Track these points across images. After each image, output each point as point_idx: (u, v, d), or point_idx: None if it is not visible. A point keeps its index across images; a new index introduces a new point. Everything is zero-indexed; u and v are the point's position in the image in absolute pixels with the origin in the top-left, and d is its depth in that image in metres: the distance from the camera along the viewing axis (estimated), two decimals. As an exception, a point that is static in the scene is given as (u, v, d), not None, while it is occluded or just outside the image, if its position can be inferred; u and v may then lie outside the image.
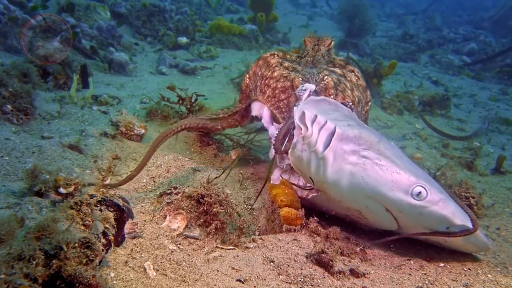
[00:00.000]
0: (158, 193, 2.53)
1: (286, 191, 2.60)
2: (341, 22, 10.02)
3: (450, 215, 2.25)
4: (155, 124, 3.62)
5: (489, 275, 2.36)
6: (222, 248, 2.24)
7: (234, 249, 2.25)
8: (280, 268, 2.12)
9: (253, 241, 2.34)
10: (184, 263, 2.05)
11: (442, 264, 2.43)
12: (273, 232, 2.50)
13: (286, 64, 3.02)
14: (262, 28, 8.34)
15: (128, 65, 5.12)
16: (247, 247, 2.29)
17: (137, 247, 2.07)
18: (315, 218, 2.54)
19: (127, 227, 2.17)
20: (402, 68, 9.00)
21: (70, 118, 3.34)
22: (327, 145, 2.36)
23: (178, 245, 2.19)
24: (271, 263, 2.16)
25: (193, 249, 2.21)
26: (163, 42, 6.43)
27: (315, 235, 2.40)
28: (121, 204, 2.21)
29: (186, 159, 3.11)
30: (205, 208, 2.35)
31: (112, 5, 6.85)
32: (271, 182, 2.75)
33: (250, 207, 2.73)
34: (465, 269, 2.40)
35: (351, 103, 2.74)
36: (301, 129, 2.49)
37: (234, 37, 7.51)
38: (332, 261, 2.19)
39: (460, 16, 23.23)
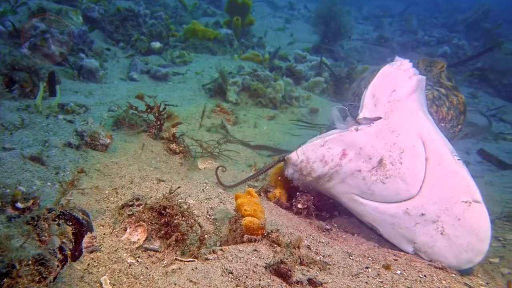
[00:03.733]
0: (120, 204, 2.53)
1: (251, 201, 2.64)
2: (317, 26, 10.11)
3: None
4: (122, 133, 3.61)
5: (444, 282, 2.43)
6: (181, 261, 2.26)
7: (194, 261, 2.27)
8: (239, 279, 2.15)
9: (213, 253, 2.36)
10: (141, 277, 2.07)
11: (399, 272, 2.49)
12: (234, 242, 2.52)
13: None
14: (237, 32, 8.37)
15: (98, 72, 5.09)
16: (207, 259, 2.31)
17: (95, 261, 2.08)
18: (278, 228, 2.59)
19: (85, 241, 2.17)
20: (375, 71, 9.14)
21: (34, 128, 3.31)
22: None
23: (137, 258, 2.20)
24: (230, 274, 2.18)
25: (152, 261, 2.23)
26: (136, 48, 6.41)
27: (275, 245, 2.44)
28: (80, 218, 2.20)
29: (151, 169, 3.11)
30: (166, 219, 2.37)
31: (85, 10, 6.79)
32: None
33: (213, 217, 2.76)
34: (421, 276, 2.47)
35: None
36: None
37: (209, 42, 7.53)
38: (290, 271, 2.22)
39: (436, 19, 23.56)
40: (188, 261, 2.26)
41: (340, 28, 9.70)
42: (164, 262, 2.24)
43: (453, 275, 2.53)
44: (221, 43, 7.63)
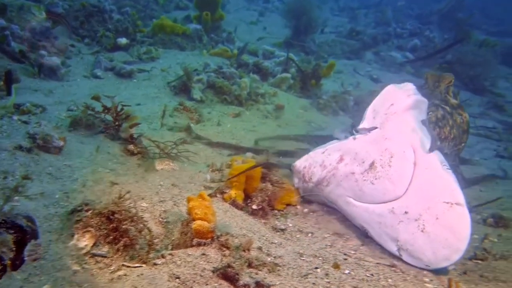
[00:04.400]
0: (69, 209, 2.51)
1: (203, 204, 2.65)
2: (289, 20, 10.10)
3: None
4: (79, 134, 3.57)
5: (390, 280, 2.49)
6: (128, 266, 2.26)
7: (141, 266, 2.28)
8: (185, 284, 2.16)
9: (162, 257, 2.37)
10: (85, 285, 2.06)
11: (347, 271, 2.54)
12: (185, 246, 2.53)
13: None
14: (207, 27, 8.31)
15: (59, 69, 5.00)
16: (155, 264, 2.31)
17: (37, 270, 2.06)
18: (229, 231, 2.62)
19: (28, 249, 2.15)
20: (346, 66, 9.22)
21: (-14, 130, 3.25)
22: None
23: (83, 265, 2.19)
24: (177, 279, 2.19)
25: (99, 267, 2.22)
26: (102, 44, 6.31)
27: (224, 249, 2.45)
28: (24, 225, 2.18)
29: (106, 171, 3.09)
30: (115, 225, 2.37)
31: (48, 5, 6.64)
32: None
33: (165, 220, 2.76)
34: (368, 274, 2.52)
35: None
36: None
37: (177, 37, 7.46)
38: (238, 274, 2.25)
39: (412, 10, 23.67)
40: (135, 267, 2.26)
41: (311, 22, 9.71)
42: (112, 268, 2.24)
43: (400, 273, 2.59)
44: (190, 38, 7.57)
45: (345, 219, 3.17)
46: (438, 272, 2.64)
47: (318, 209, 3.31)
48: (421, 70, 9.67)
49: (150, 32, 7.44)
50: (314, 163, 3.16)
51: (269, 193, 3.13)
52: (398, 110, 2.89)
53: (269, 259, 2.56)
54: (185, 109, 4.63)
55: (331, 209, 3.33)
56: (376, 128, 2.95)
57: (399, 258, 2.76)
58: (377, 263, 2.68)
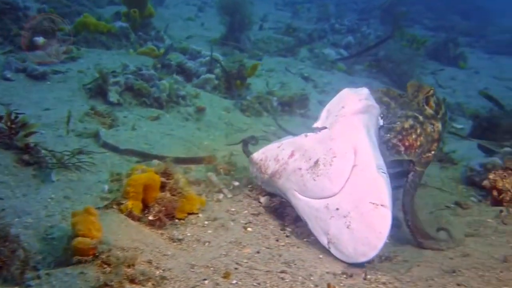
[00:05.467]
0: None
1: (87, 219, 2.58)
2: (223, 16, 10.04)
3: None
4: (-30, 145, 3.38)
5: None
6: (-3, 291, 2.17)
7: (13, 289, 2.19)
8: (57, 306, 2.10)
9: (38, 278, 2.28)
10: None
11: (234, 281, 2.56)
12: (66, 264, 2.46)
13: (385, 99, 3.51)
14: (136, 25, 8.11)
15: (-39, 73, 4.73)
16: (28, 286, 2.23)
17: None
18: (119, 245, 2.57)
19: None
20: (279, 64, 9.26)
21: None
22: None
23: None
24: (49, 301, 2.12)
25: (-34, 294, 2.12)
26: (15, 43, 6.02)
27: (105, 266, 2.40)
28: None
29: (-7, 185, 2.95)
30: (-17, 247, 2.26)
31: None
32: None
33: (50, 236, 2.67)
34: (255, 284, 2.55)
35: None
36: None
37: (102, 36, 7.24)
38: (115, 292, 2.21)
39: (355, 3, 24.06)
40: (5, 291, 2.17)
41: (245, 19, 9.70)
42: (-21, 293, 2.14)
43: (287, 281, 2.64)
44: (116, 36, 7.36)
45: (244, 227, 3.21)
46: (356, 266, 2.81)
47: (220, 217, 3.31)
48: (353, 68, 9.92)
49: (73, 30, 7.17)
50: (269, 156, 3.39)
51: (168, 202, 3.10)
52: (347, 113, 3.12)
53: (157, 272, 2.54)
54: (97, 114, 4.50)
55: (235, 215, 3.37)
56: (326, 128, 3.19)
57: (290, 265, 2.81)
58: (268, 271, 2.71)
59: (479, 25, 21.57)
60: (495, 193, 3.56)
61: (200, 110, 5.39)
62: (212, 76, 6.13)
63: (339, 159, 3.00)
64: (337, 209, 2.93)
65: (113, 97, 4.99)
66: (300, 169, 3.13)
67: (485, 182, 3.64)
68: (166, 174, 3.23)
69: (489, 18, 24.57)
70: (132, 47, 7.42)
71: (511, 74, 13.13)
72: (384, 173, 2.92)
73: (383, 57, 9.82)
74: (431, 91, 3.57)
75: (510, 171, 3.57)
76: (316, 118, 6.40)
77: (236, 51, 9.52)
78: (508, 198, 3.43)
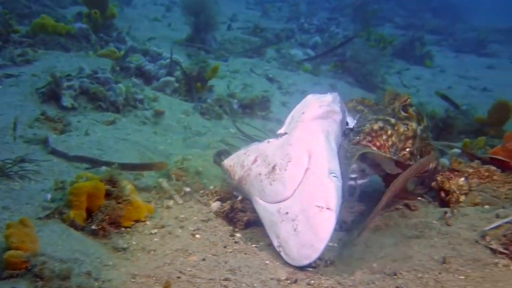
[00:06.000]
0: None
1: (22, 231, 2.51)
2: (188, 17, 9.97)
3: None
4: None
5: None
6: None
7: None
8: (-17, 323, 2.04)
9: (-34, 294, 2.22)
10: None
11: None
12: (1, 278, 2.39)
13: (359, 107, 3.58)
14: (97, 26, 7.98)
15: None
16: (-45, 303, 2.16)
17: None
18: (58, 256, 2.51)
19: None
20: (245, 65, 9.27)
21: None
22: None
23: None
24: (-26, 319, 2.06)
25: None
26: (-33, 47, 5.85)
27: (38, 279, 2.34)
28: None
29: None
30: None
31: None
32: None
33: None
34: None
35: None
36: None
37: (61, 38, 7.09)
38: (46, 306, 2.16)
39: (328, 2, 24.11)
40: None
41: (210, 19, 9.65)
42: None
43: (228, 288, 2.63)
44: (76, 38, 7.23)
45: (192, 234, 3.19)
46: (302, 270, 2.82)
47: (168, 224, 3.28)
48: (319, 68, 9.98)
49: (30, 32, 7.00)
50: (237, 163, 3.42)
51: (112, 210, 3.05)
52: (306, 119, 3.16)
53: (96, 284, 2.49)
54: (48, 119, 4.40)
55: (184, 221, 3.35)
56: (287, 133, 3.25)
57: (235, 272, 2.80)
58: (211, 279, 2.69)
59: (449, 23, 21.89)
60: (442, 194, 3.61)
61: (158, 114, 5.34)
62: (172, 78, 6.08)
63: (293, 163, 3.04)
64: (287, 213, 2.96)
65: (66, 101, 4.89)
66: (260, 174, 3.17)
67: (433, 184, 3.70)
68: (111, 181, 3.18)
69: (460, 15, 24.95)
70: (92, 49, 7.29)
71: (475, 73, 13.46)
72: (336, 177, 2.95)
73: (348, 57, 9.90)
74: (408, 100, 3.58)
75: (456, 173, 3.63)
76: (278, 120, 6.47)
77: (202, 52, 9.48)
78: (454, 199, 3.49)
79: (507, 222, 3.02)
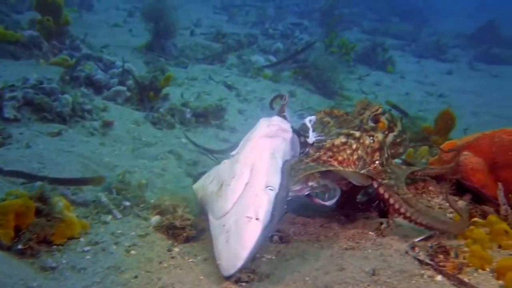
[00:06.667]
0: None
1: None
2: (147, 23, 9.88)
3: None
4: None
5: None
6: None
7: None
8: None
9: None
10: None
11: None
12: None
13: (326, 119, 3.59)
14: (51, 33, 7.80)
15: None
16: None
17: None
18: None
19: None
20: (204, 71, 9.23)
21: None
22: None
23: None
24: None
25: None
26: None
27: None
28: None
29: None
30: None
31: None
32: None
33: None
34: None
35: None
36: None
37: (11, 46, 6.91)
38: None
39: (297, 6, 24.22)
40: None
41: (170, 26, 9.58)
42: None
43: None
44: (26, 46, 7.05)
45: (127, 250, 3.14)
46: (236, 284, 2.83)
47: (103, 240, 3.22)
48: (280, 75, 10.02)
49: (-22, 40, 6.80)
50: (201, 184, 3.54)
51: (41, 228, 2.97)
52: (254, 137, 3.25)
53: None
54: (-15, 132, 4.26)
55: (120, 237, 3.30)
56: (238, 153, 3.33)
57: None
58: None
59: (416, 27, 22.22)
60: (381, 205, 3.67)
61: (107, 124, 5.25)
62: (123, 88, 6.00)
63: (236, 179, 3.10)
64: (224, 225, 2.99)
65: (9, 112, 4.76)
66: (212, 192, 3.27)
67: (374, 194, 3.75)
68: (42, 198, 3.10)
69: (429, 19, 25.35)
70: (44, 57, 7.13)
71: (434, 78, 13.79)
72: (272, 190, 2.99)
73: (308, 63, 9.99)
74: (380, 109, 3.55)
75: (394, 183, 3.68)
76: (232, 129, 6.46)
77: (162, 59, 9.40)
78: (391, 210, 3.55)
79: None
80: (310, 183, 3.39)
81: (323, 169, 3.27)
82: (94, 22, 11.82)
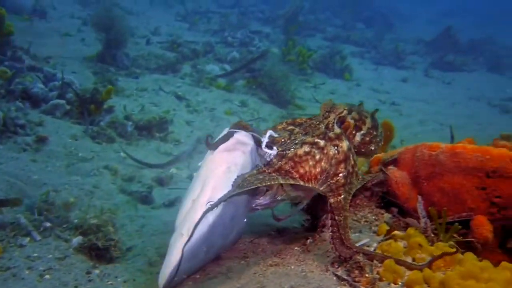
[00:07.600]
0: None
1: None
2: (98, 33, 9.68)
3: None
4: None
5: None
6: None
7: None
8: None
9: None
10: None
11: None
12: None
13: (289, 128, 3.46)
14: (-8, 44, 7.53)
15: None
16: None
17: None
18: None
19: None
20: (156, 82, 9.09)
21: None
22: None
23: None
24: None
25: None
26: None
27: None
28: None
29: None
30: None
31: None
32: None
33: None
34: None
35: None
36: None
37: None
38: None
39: (262, 12, 24.20)
40: None
41: (120, 35, 9.41)
42: None
43: None
44: (-39, 58, 6.78)
45: (41, 275, 3.02)
46: None
47: (15, 265, 3.08)
48: (233, 84, 9.98)
49: None
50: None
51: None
52: (214, 152, 3.20)
53: None
54: None
55: (36, 261, 3.16)
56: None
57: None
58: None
59: (377, 34, 22.42)
60: (311, 218, 3.66)
61: (41, 139, 5.08)
62: (62, 101, 5.82)
63: (188, 194, 3.11)
64: (174, 242, 2.95)
65: None
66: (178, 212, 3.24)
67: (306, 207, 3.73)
68: None
69: (394, 26, 25.68)
70: (-18, 69, 6.85)
71: (389, 86, 14.04)
72: (210, 203, 2.95)
73: (262, 72, 9.99)
74: (344, 112, 3.35)
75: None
76: (177, 142, 6.36)
77: (112, 69, 9.21)
78: (321, 224, 3.54)
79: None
80: (278, 197, 3.36)
81: (282, 182, 3.12)
82: (45, 30, 11.47)
